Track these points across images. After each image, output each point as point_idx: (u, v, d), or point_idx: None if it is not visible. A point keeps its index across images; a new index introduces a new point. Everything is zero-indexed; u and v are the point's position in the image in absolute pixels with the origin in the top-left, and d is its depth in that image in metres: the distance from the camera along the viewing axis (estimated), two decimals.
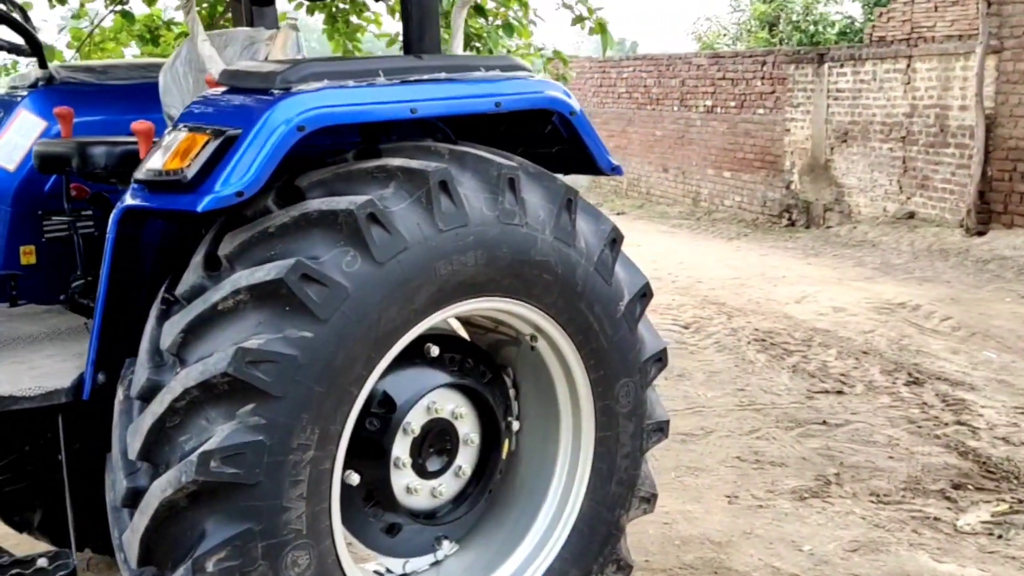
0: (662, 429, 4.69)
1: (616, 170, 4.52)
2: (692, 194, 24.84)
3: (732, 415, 8.45)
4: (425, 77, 3.94)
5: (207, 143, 3.43)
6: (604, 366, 4.34)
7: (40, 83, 5.05)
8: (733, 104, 23.14)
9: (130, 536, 3.37)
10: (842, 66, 19.96)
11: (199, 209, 3.36)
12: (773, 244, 18.99)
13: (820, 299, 13.13)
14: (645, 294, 4.48)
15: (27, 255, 4.79)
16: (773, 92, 21.79)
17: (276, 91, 3.58)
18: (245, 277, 3.37)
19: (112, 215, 3.65)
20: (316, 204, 3.53)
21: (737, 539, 6.12)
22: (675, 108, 25.51)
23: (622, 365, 4.39)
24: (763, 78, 22.11)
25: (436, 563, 4.32)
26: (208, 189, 3.40)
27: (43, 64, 5.12)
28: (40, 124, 4.86)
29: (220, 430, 3.28)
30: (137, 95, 5.08)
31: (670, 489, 6.85)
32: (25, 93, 5.02)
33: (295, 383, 3.37)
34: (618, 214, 22.81)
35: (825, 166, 20.34)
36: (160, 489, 3.28)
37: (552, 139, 4.52)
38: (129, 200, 3.60)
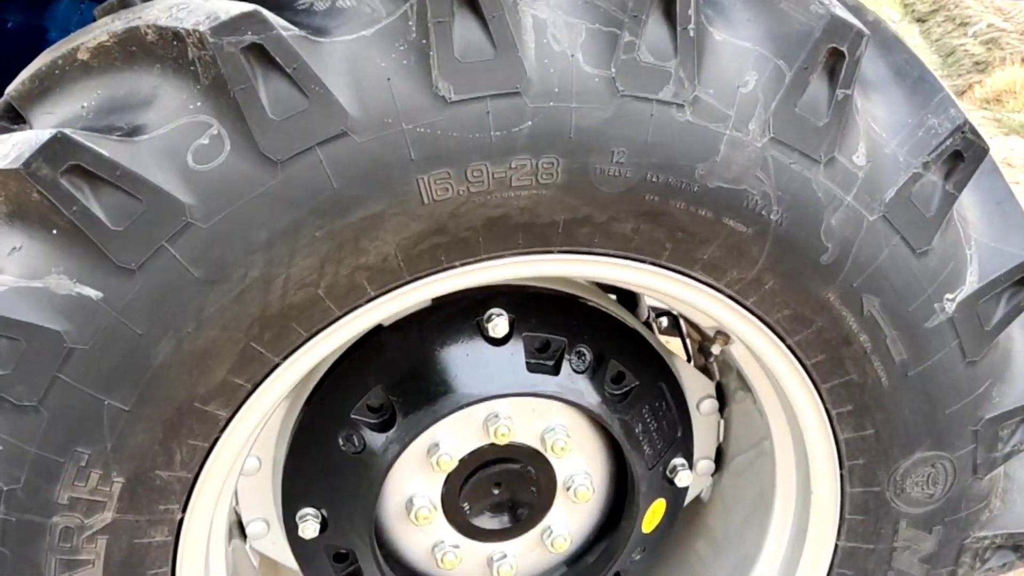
0: (1019, 548, 2.26)
1: None
2: None
3: None
4: None
5: None
6: (875, 420, 2.02)
7: None
8: None
9: None
10: None
11: None
12: None
13: None
14: None
15: None
16: None
17: None
18: None
19: None
20: (155, 13, 1.63)
21: None
22: None
23: (924, 423, 2.03)
24: None
25: None
26: None
27: None
28: None
29: None
30: None
31: None
32: None
33: (58, 384, 1.64)
34: None
35: None
36: None
37: None
38: None
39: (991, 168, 2.04)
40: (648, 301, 2.68)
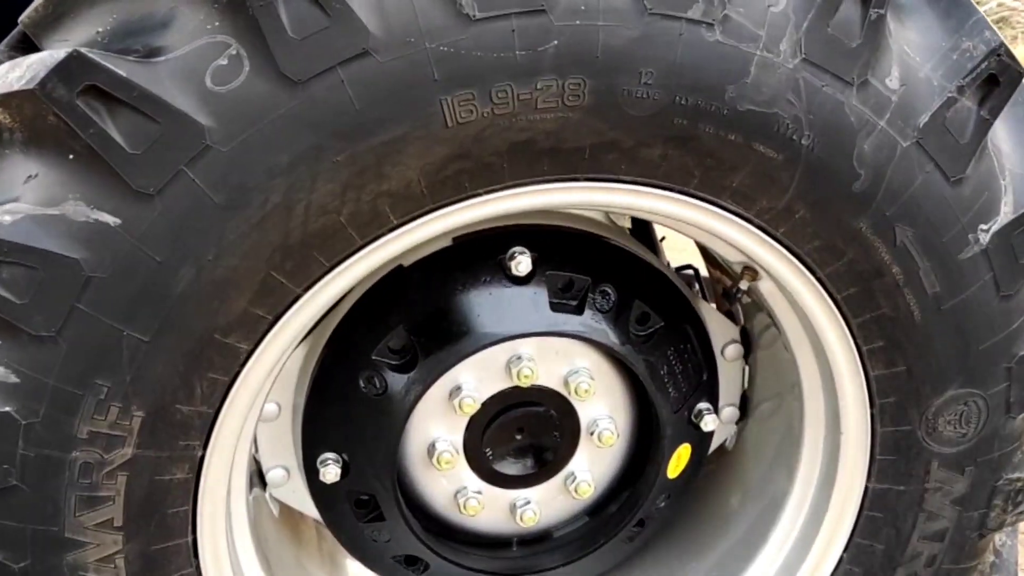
0: None
1: None
2: None
3: None
4: None
5: None
6: (907, 356, 1.98)
7: None
8: None
9: None
10: None
11: None
12: None
13: None
14: None
15: None
16: None
17: None
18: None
19: None
20: None
21: None
22: None
23: (957, 360, 1.99)
24: None
25: None
26: None
27: None
28: None
29: None
30: None
31: None
32: None
33: (76, 314, 1.61)
34: None
35: None
36: None
37: None
38: None
39: None
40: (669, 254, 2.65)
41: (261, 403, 1.95)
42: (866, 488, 2.13)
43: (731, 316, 2.38)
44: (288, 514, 2.34)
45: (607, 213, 2.21)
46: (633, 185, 1.77)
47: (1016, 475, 2.16)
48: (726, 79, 1.68)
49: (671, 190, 1.78)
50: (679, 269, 2.70)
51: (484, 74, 1.60)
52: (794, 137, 1.74)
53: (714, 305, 2.47)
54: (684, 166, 1.75)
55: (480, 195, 1.72)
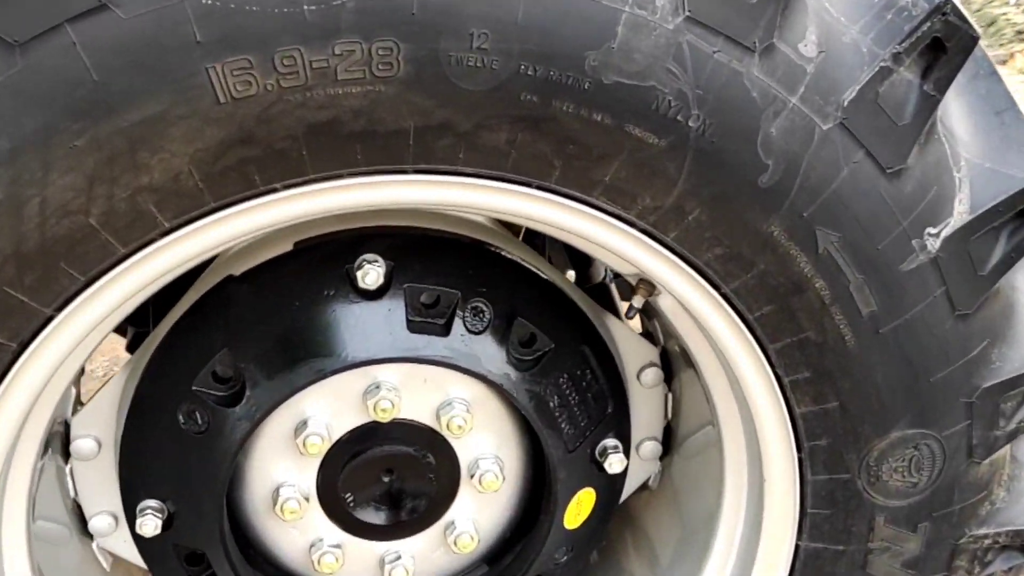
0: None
1: None
2: None
3: None
4: None
5: None
6: (840, 390, 1.60)
7: None
8: None
9: None
10: None
11: None
12: None
13: None
14: None
15: None
16: None
17: None
18: None
19: None
20: None
21: None
22: None
23: (903, 394, 1.61)
24: None
25: None
26: None
27: None
28: None
29: None
30: None
31: None
32: None
33: None
34: None
35: None
36: None
37: None
38: None
39: (988, 71, 1.61)
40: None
41: (35, 448, 1.60)
42: (797, 547, 1.75)
43: (649, 335, 2.01)
44: (118, 566, 2.00)
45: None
46: (477, 179, 1.40)
47: (983, 531, 1.78)
48: (585, 44, 1.32)
49: (528, 185, 1.42)
50: (616, 278, 2.34)
51: (263, 35, 1.25)
52: (679, 118, 1.37)
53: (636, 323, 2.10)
54: (540, 155, 1.38)
55: (279, 191, 1.36)
